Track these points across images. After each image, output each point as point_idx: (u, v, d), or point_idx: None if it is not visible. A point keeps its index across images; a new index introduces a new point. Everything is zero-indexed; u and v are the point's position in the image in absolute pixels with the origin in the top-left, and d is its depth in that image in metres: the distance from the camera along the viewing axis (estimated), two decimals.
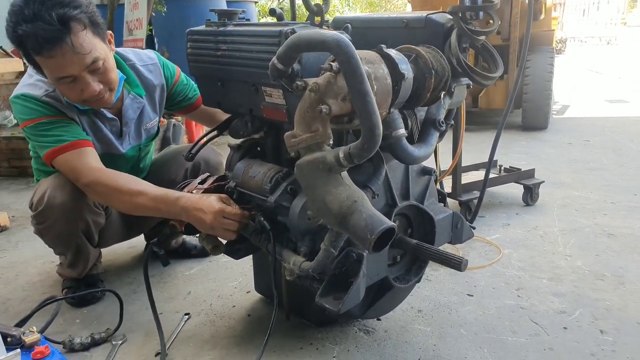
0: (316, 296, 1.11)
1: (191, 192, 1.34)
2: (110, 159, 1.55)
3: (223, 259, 1.95)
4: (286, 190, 1.17)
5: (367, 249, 0.93)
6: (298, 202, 1.14)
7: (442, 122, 1.13)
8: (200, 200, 1.28)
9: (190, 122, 3.84)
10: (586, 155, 3.48)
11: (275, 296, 1.26)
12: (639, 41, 18.25)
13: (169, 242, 1.96)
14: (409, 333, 1.43)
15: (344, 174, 0.98)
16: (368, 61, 0.95)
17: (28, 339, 1.23)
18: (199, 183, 1.39)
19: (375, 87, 0.93)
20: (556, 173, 3.02)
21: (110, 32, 1.44)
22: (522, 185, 2.52)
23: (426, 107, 1.16)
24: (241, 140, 1.39)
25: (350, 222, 0.92)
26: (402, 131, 1.05)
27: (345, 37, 0.87)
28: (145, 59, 1.66)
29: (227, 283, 1.78)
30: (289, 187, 1.17)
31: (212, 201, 1.27)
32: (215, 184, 1.37)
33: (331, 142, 0.96)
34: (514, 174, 2.55)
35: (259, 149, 1.39)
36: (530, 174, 2.57)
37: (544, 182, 2.55)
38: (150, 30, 4.49)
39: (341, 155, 0.91)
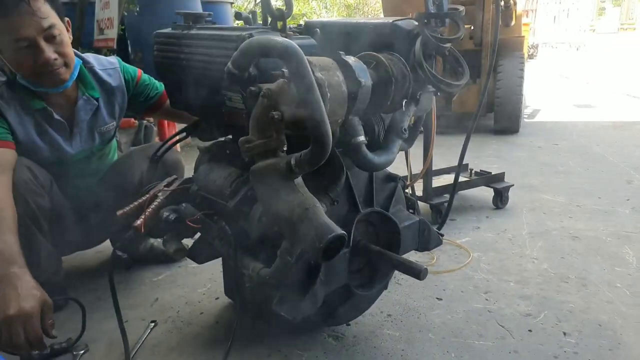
0: (272, 304, 1.09)
1: (156, 195, 1.32)
2: (57, 161, 1.54)
3: (192, 264, 1.91)
4: (246, 195, 1.14)
5: (316, 258, 0.92)
6: (258, 207, 1.11)
7: (404, 129, 1.13)
8: (20, 285, 1.16)
9: (162, 122, 3.77)
10: (555, 158, 3.56)
11: (238, 301, 1.24)
12: (607, 47, 18.89)
13: (137, 246, 1.92)
14: (378, 338, 1.44)
15: (298, 180, 0.97)
16: (322, 68, 0.94)
17: None
18: (165, 186, 1.37)
19: (328, 94, 0.92)
20: (526, 176, 3.08)
21: (67, 19, 1.50)
22: (492, 189, 2.56)
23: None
24: (210, 143, 1.37)
25: (300, 230, 0.91)
26: (362, 138, 1.05)
27: (294, 44, 0.86)
28: (106, 63, 1.65)
29: (195, 289, 1.75)
30: (249, 192, 1.14)
31: (24, 298, 1.14)
32: (182, 186, 1.35)
33: (285, 148, 0.95)
34: (484, 178, 2.59)
35: (227, 151, 1.37)
36: (500, 177, 2.62)
37: (513, 185, 2.60)
38: (122, 29, 4.38)
39: (293, 162, 0.90)
